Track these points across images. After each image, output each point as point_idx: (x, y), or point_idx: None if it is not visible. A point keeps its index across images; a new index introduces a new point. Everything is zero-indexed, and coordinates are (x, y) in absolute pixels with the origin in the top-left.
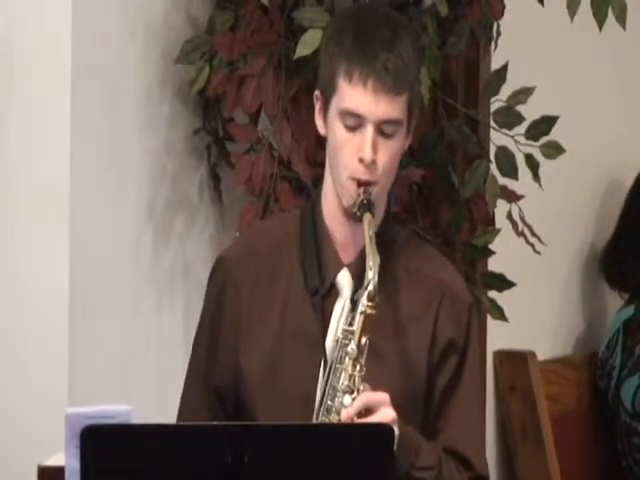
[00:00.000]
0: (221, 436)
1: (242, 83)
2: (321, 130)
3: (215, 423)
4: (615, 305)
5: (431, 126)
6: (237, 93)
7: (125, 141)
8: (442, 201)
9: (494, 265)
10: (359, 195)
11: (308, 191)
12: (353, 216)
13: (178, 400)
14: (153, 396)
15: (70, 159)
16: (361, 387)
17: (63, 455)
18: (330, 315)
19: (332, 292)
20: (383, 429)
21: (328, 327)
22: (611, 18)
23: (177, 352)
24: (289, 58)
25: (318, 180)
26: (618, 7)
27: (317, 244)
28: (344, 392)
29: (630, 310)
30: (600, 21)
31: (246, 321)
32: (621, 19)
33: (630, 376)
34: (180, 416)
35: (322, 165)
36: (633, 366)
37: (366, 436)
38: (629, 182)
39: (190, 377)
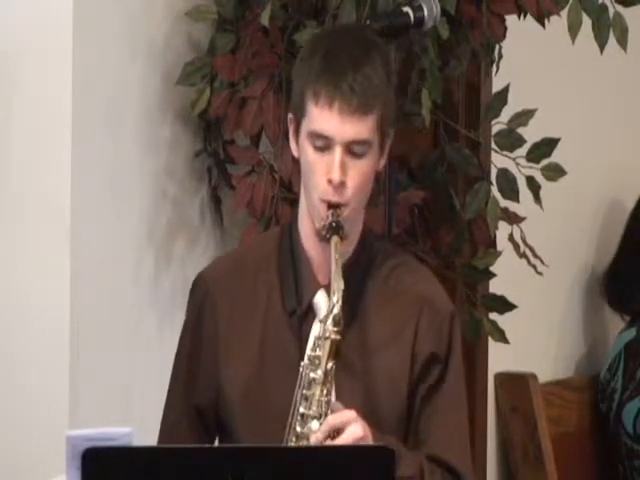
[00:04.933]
0: (221, 458)
1: (243, 105)
2: (294, 152)
3: (216, 445)
4: (616, 327)
5: (432, 148)
6: (238, 115)
7: (126, 163)
8: (443, 223)
9: (495, 287)
10: (328, 217)
11: None
12: (322, 238)
13: None
14: (154, 418)
15: (71, 182)
16: (329, 412)
17: (64, 477)
18: (307, 336)
19: (310, 313)
20: (384, 452)
21: (305, 348)
22: (612, 41)
23: None
24: (290, 80)
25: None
26: (619, 30)
27: (294, 265)
28: (312, 418)
29: (632, 332)
30: (601, 44)
31: (226, 340)
32: (622, 42)
33: (631, 399)
34: (162, 432)
35: None
36: (634, 389)
37: (366, 458)
38: (630, 204)
39: (171, 393)
